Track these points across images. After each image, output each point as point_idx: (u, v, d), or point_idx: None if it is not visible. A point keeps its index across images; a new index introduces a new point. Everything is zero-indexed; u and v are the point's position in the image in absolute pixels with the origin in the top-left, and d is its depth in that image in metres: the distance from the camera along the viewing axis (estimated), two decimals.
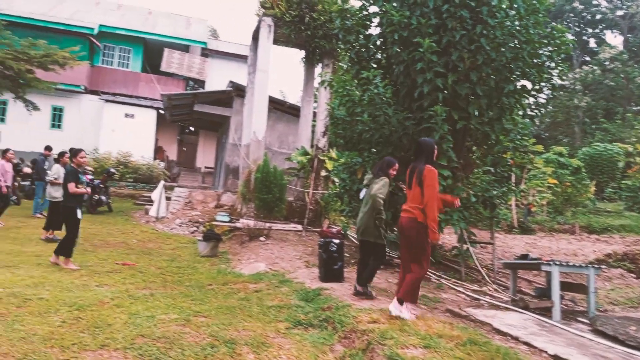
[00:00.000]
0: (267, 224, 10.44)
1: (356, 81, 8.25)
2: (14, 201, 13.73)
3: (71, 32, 22.63)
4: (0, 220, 10.55)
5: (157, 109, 22.99)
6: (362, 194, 6.26)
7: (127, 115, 22.99)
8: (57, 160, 10.61)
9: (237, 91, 16.46)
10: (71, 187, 7.22)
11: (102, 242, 9.73)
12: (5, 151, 11.16)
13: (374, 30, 8.41)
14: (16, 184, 14.28)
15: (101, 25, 23.60)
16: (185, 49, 25.58)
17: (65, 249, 7.21)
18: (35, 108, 17.80)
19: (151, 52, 25.48)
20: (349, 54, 8.68)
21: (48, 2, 25.35)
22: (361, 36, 8.36)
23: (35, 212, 12.33)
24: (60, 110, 22.97)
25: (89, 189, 8.68)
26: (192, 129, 26.79)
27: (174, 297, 5.78)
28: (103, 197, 14.07)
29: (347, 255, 7.95)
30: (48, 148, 13.12)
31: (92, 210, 13.62)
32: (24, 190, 14.76)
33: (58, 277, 6.35)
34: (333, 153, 11.99)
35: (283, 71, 58.07)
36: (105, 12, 25.91)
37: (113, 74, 24.45)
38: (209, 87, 23.81)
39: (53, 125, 22.85)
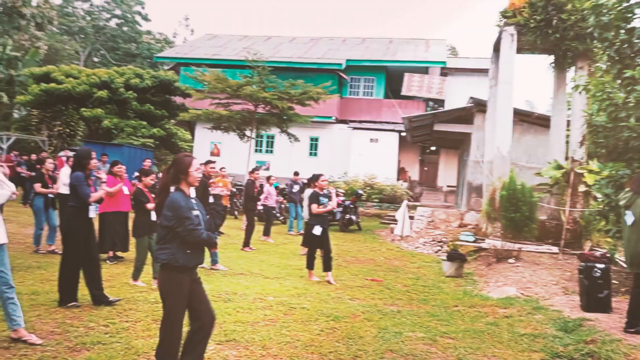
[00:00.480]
0: (516, 245, 9.75)
1: (618, 82, 7.18)
2: (281, 220, 15.90)
3: (323, 69, 25.34)
4: (270, 237, 12.27)
5: (399, 131, 23.88)
6: (628, 219, 5.19)
7: (371, 140, 24.49)
8: (307, 185, 11.83)
9: (478, 106, 15.98)
10: (313, 207, 7.95)
11: (353, 259, 10.44)
12: (269, 177, 12.88)
13: (638, 23, 7.24)
14: (283, 205, 16.49)
15: (348, 60, 25.82)
16: (424, 70, 26.13)
17: (308, 261, 8.00)
18: (296, 139, 20.32)
19: (392, 78, 26.76)
20: (607, 53, 7.62)
21: (303, 45, 28.95)
22: (622, 31, 7.26)
23: (289, 230, 14.01)
24: (316, 139, 25.76)
25: (329, 206, 9.28)
26: (432, 148, 27.02)
27: (419, 315, 5.82)
28: (353, 217, 15.17)
29: (616, 282, 6.86)
30: (296, 173, 14.71)
31: (343, 228, 14.85)
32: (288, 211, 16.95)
33: (317, 289, 7.03)
34: (593, 165, 10.58)
35: (528, 80, 54.34)
36: (351, 48, 28.29)
37: (359, 103, 26.43)
38: (448, 105, 23.73)
39: (310, 154, 25.75)
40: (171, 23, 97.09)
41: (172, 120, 24.44)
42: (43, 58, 29.69)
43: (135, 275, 6.76)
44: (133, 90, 21.13)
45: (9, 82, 25.22)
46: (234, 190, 16.79)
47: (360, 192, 16.84)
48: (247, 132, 19.66)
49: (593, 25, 7.52)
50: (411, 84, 25.11)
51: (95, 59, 45.13)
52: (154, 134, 21.34)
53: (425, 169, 28.10)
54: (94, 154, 5.81)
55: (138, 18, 47.35)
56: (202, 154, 23.62)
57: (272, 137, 25.18)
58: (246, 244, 10.52)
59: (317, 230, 7.85)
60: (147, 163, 13.08)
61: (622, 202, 5.28)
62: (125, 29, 46.10)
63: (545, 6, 10.95)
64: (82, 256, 5.49)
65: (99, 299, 5.55)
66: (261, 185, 12.47)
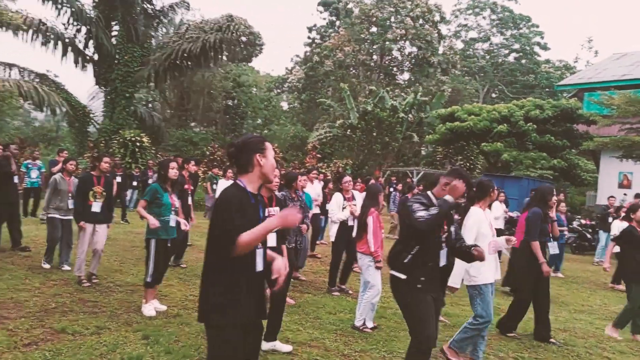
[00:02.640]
0: None
1: None
2: None
3: None
4: None
5: None
6: None
7: None
8: None
9: None
10: None
11: None
12: None
13: None
14: None
15: None
16: None
17: None
18: None
19: None
20: None
21: None
22: None
23: None
24: None
25: None
26: None
27: None
28: None
29: None
30: None
31: None
32: None
33: None
34: None
35: None
36: None
37: None
38: None
39: None
40: (572, 48, 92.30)
41: (574, 150, 22.78)
42: (447, 99, 32.79)
43: (620, 324, 6.25)
44: (532, 122, 20.76)
45: (419, 123, 28.95)
46: None
47: None
48: None
49: None
50: None
51: (494, 95, 46.93)
52: (553, 165, 20.31)
53: None
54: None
55: (537, 49, 46.90)
56: (609, 185, 21.09)
57: None
58: None
59: None
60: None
61: None
62: (523, 61, 46.35)
63: None
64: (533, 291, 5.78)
65: (541, 333, 5.75)
66: None
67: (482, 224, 4.77)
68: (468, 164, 25.52)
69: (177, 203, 5.87)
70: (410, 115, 28.55)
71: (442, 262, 3.77)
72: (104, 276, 6.92)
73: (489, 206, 5.27)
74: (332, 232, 7.48)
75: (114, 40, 20.70)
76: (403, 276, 3.67)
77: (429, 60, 35.36)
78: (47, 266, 7.26)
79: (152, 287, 5.58)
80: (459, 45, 46.92)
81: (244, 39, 21.57)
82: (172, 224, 5.72)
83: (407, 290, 3.68)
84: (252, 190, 2.65)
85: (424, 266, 3.66)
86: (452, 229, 3.87)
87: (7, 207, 8.03)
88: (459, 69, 39.97)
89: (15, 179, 8.23)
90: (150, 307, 5.51)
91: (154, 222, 5.50)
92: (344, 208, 7.27)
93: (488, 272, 4.74)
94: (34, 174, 11.48)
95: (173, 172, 5.72)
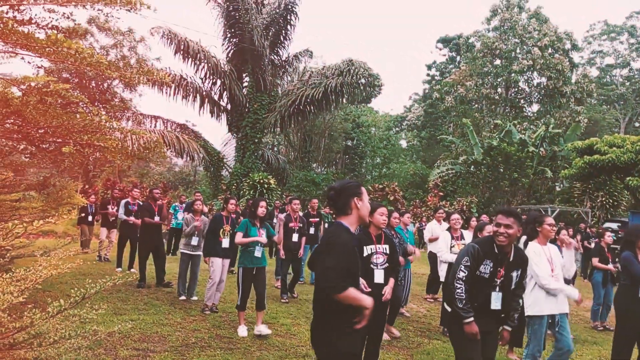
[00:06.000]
0: None
1: None
2: None
3: None
4: None
5: None
6: None
7: None
8: None
9: None
10: None
11: None
12: None
13: None
14: None
15: None
16: None
17: None
18: None
19: None
20: None
21: None
22: None
23: None
24: None
25: None
26: None
27: None
28: None
29: None
30: None
31: None
32: None
33: None
34: None
35: None
36: None
37: None
38: None
39: None
40: None
41: None
42: (583, 131, 30.28)
43: None
44: None
45: (552, 157, 26.98)
46: None
47: None
48: None
49: None
50: None
51: (637, 124, 42.50)
52: None
53: None
54: None
55: None
56: None
57: None
58: None
59: None
60: None
61: None
62: None
63: None
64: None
65: None
66: None
67: (539, 259, 4.77)
68: (611, 201, 23.09)
69: (264, 236, 6.45)
70: (541, 149, 26.76)
71: (495, 305, 3.70)
72: (237, 313, 7.16)
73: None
74: (441, 272, 7.25)
75: (244, 91, 22.29)
76: (449, 308, 3.81)
77: (561, 90, 33.13)
78: (182, 297, 7.82)
79: (243, 310, 6.27)
80: (594, 72, 43.57)
81: (363, 81, 21.97)
82: (257, 254, 6.30)
83: (452, 322, 3.77)
84: (353, 231, 2.89)
85: (470, 304, 3.67)
86: (514, 274, 3.76)
87: (150, 247, 8.82)
88: (595, 98, 36.92)
89: (156, 219, 8.95)
90: (243, 329, 6.17)
91: (258, 238, 6.23)
92: (452, 247, 7.09)
93: (546, 303, 4.70)
94: (180, 215, 12.45)
95: (261, 210, 6.39)
